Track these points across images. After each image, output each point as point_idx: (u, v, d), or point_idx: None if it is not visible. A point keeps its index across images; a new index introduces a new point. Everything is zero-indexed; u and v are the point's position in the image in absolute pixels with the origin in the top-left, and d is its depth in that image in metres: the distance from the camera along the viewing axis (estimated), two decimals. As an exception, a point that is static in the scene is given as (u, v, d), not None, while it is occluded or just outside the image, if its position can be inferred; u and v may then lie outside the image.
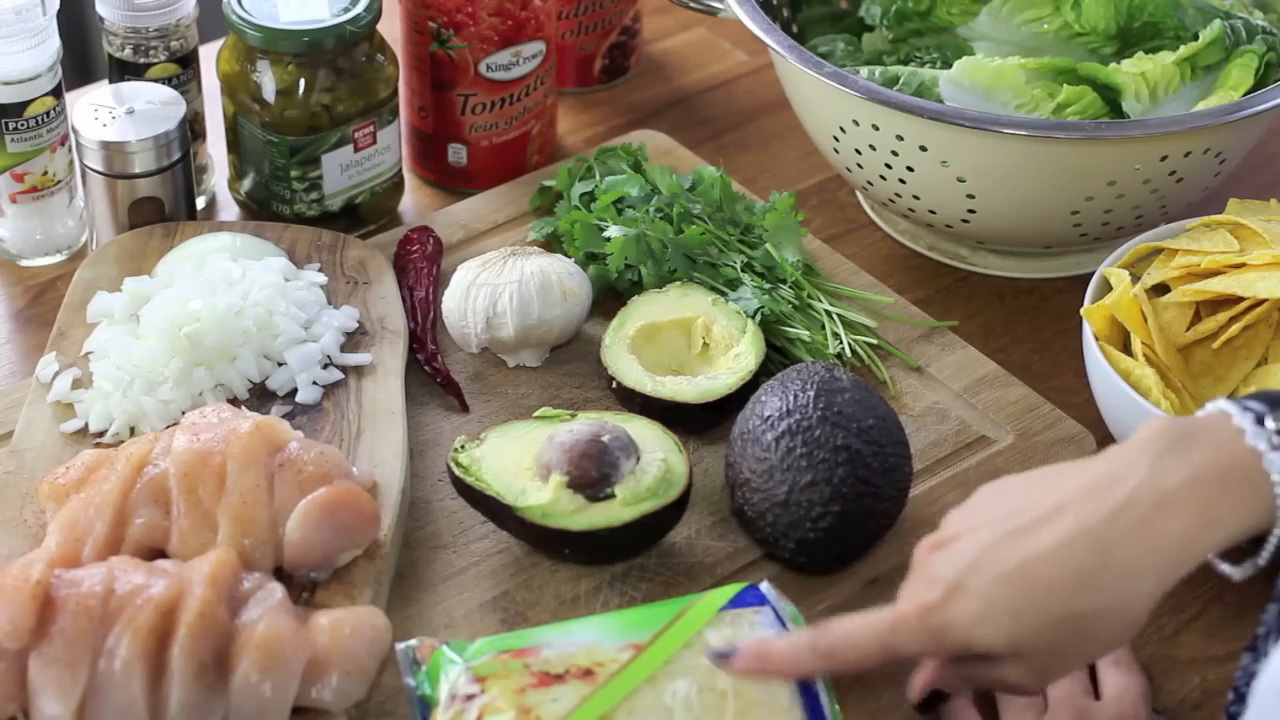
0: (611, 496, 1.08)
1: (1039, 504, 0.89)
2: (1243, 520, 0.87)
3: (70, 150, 1.34)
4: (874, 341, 1.25)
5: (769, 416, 1.09)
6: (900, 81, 1.28)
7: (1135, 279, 1.18)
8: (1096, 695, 1.03)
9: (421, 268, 1.30)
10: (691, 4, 1.43)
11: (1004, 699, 1.04)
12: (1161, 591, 0.87)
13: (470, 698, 0.90)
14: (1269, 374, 1.14)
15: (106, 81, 1.37)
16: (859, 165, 1.30)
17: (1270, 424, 0.87)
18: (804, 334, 1.23)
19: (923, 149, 1.24)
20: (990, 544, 0.89)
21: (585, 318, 1.26)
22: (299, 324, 1.21)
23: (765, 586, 0.96)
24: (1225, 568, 0.91)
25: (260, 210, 1.36)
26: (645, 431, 1.12)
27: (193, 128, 1.35)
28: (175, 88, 1.33)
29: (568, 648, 0.92)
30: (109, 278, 1.26)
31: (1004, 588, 0.88)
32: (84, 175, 1.30)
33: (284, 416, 1.16)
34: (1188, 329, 1.16)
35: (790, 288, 1.27)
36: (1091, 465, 0.89)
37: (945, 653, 0.90)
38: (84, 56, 2.25)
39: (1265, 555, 0.88)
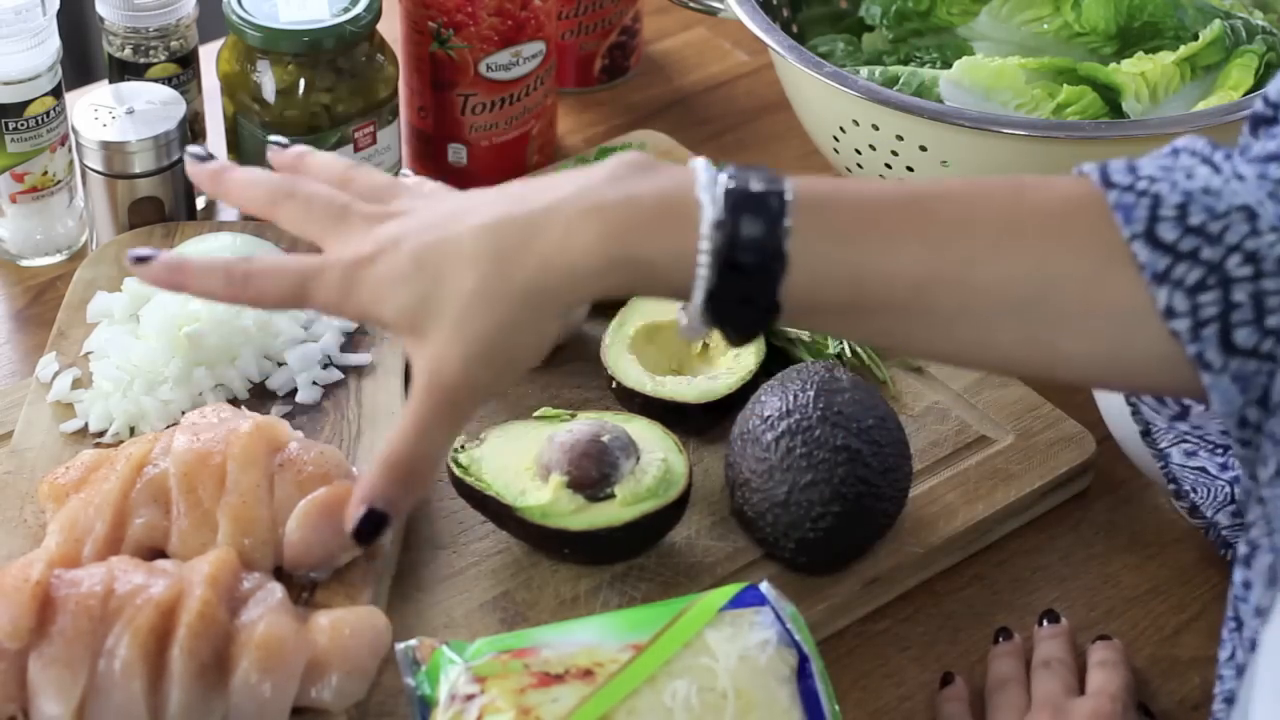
0: (611, 496, 1.08)
1: (486, 195, 0.87)
2: (661, 256, 0.83)
3: (70, 150, 1.34)
4: (874, 341, 1.25)
5: (769, 416, 1.09)
6: (900, 81, 1.28)
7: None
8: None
9: (421, 268, 1.30)
10: (691, 4, 1.43)
11: (993, 702, 1.05)
12: (570, 296, 0.84)
13: (470, 698, 0.90)
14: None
15: (106, 81, 1.37)
16: (859, 165, 1.30)
17: (722, 182, 0.83)
18: (804, 334, 1.23)
19: (923, 149, 1.25)
20: (434, 219, 0.86)
21: (585, 318, 1.26)
22: (299, 324, 1.22)
23: (765, 586, 0.96)
24: (682, 319, 0.86)
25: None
26: (645, 431, 1.12)
27: (193, 128, 1.35)
28: (175, 88, 1.33)
29: (568, 648, 0.92)
30: (109, 278, 1.26)
31: (427, 255, 0.84)
32: (84, 175, 1.30)
33: (284, 416, 1.16)
34: (1188, 329, 1.16)
35: (790, 288, 1.27)
36: (552, 175, 0.87)
37: (350, 313, 0.87)
38: (84, 56, 2.25)
39: (694, 311, 0.84)
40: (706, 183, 0.84)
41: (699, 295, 0.83)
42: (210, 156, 0.94)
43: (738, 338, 0.86)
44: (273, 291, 0.88)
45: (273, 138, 0.95)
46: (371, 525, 0.86)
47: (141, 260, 0.90)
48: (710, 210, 0.83)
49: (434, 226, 0.86)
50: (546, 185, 0.86)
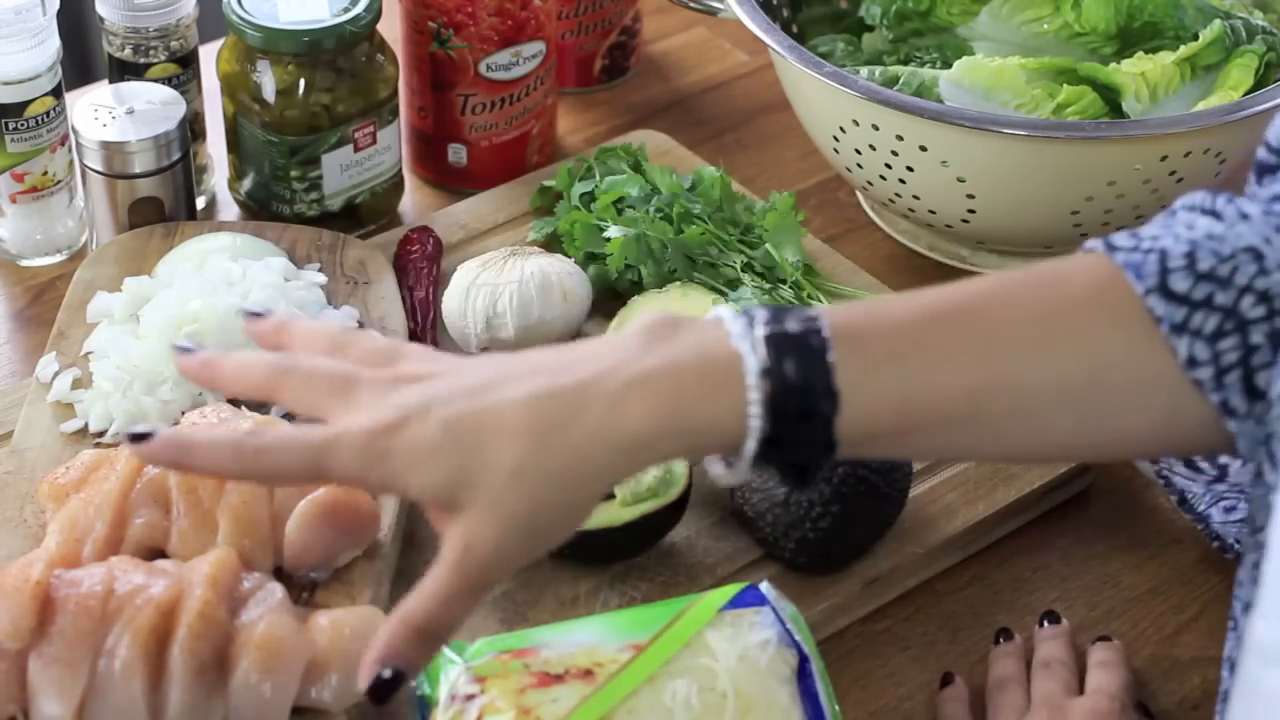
0: (611, 496, 1.08)
1: (518, 365, 0.84)
2: (714, 418, 0.81)
3: (70, 150, 1.34)
4: (874, 341, 1.25)
5: (769, 416, 1.09)
6: (900, 81, 1.28)
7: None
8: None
9: (421, 268, 1.30)
10: (691, 4, 1.43)
11: (993, 702, 1.05)
12: (618, 473, 0.82)
13: (470, 698, 0.90)
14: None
15: (106, 81, 1.36)
16: (859, 165, 1.30)
17: (758, 330, 0.82)
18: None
19: (923, 149, 1.24)
20: (465, 386, 0.82)
21: (585, 318, 1.26)
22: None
23: (765, 586, 0.96)
24: (717, 469, 0.86)
25: (260, 210, 1.36)
26: (645, 431, 1.12)
27: (193, 128, 1.35)
28: (175, 88, 1.33)
29: (568, 648, 0.92)
30: (109, 278, 1.26)
31: (463, 426, 0.81)
32: (84, 175, 1.30)
33: (284, 416, 1.16)
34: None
35: (790, 288, 1.27)
36: (582, 345, 0.85)
37: (374, 485, 0.83)
38: (84, 56, 2.25)
39: (744, 461, 0.83)
40: (741, 333, 0.82)
41: (752, 445, 0.82)
42: (191, 350, 0.88)
43: (795, 480, 0.84)
44: (286, 467, 0.83)
45: (246, 307, 0.88)
46: (390, 686, 0.83)
47: (139, 439, 0.84)
48: (753, 360, 0.82)
49: (468, 395, 0.82)
50: (583, 357, 0.83)
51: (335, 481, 0.85)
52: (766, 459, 0.83)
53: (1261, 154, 0.89)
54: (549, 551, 0.86)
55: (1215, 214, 0.86)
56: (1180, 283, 0.83)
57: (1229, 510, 1.07)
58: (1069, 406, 0.84)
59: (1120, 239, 0.86)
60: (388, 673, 0.82)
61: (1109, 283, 0.84)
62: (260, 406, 1.18)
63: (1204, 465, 1.04)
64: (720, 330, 0.83)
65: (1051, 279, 0.86)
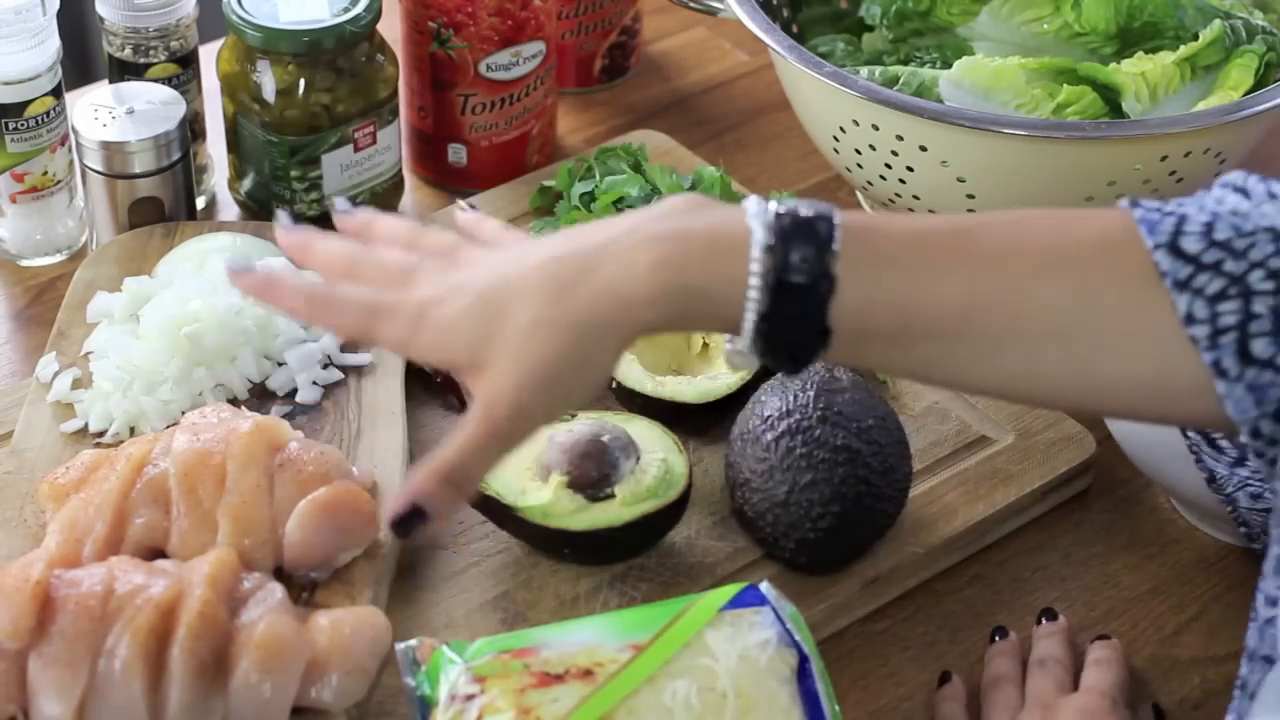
0: (611, 496, 1.08)
1: (554, 237, 0.90)
2: (716, 284, 0.85)
3: (70, 150, 1.34)
4: (874, 341, 1.25)
5: (769, 416, 1.09)
6: (900, 81, 1.28)
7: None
8: None
9: (421, 268, 1.30)
10: (691, 4, 1.43)
11: (987, 701, 1.05)
12: (627, 328, 0.86)
13: (470, 698, 0.90)
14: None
15: (106, 81, 1.37)
16: (859, 165, 1.30)
17: (772, 209, 0.86)
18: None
19: (923, 149, 1.24)
20: (499, 263, 0.89)
21: (585, 318, 1.26)
22: (299, 324, 1.21)
23: (765, 586, 0.96)
24: (729, 346, 0.89)
25: (260, 210, 1.36)
26: (645, 431, 1.12)
27: (193, 128, 1.35)
28: (175, 88, 1.33)
29: (568, 648, 0.92)
30: (109, 278, 1.26)
31: (491, 294, 0.87)
32: (84, 175, 1.30)
33: (284, 416, 1.16)
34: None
35: (790, 288, 1.27)
36: (617, 216, 0.90)
37: (415, 351, 0.90)
38: (84, 56, 2.25)
39: (745, 337, 0.86)
40: (757, 211, 0.86)
41: (750, 318, 0.85)
42: (290, 226, 0.96)
43: (790, 365, 0.87)
44: (346, 318, 0.91)
45: (339, 201, 0.99)
46: (412, 519, 0.89)
47: (240, 272, 0.94)
48: (760, 234, 0.85)
49: (497, 269, 0.89)
50: (602, 224, 0.88)
51: (382, 344, 0.92)
52: (764, 340, 0.86)
53: None
54: (568, 411, 0.90)
55: (1245, 192, 0.88)
56: (1192, 244, 0.84)
57: (1255, 498, 1.07)
58: (1058, 340, 0.86)
59: (1149, 201, 0.88)
60: (407, 507, 0.88)
61: (1121, 232, 0.86)
62: (260, 404, 1.18)
63: (1225, 445, 1.04)
64: (738, 209, 0.87)
65: (1067, 218, 0.88)
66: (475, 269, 0.90)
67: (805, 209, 0.86)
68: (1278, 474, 0.86)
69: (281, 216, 0.97)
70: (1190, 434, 1.07)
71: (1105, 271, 0.86)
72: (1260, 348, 0.83)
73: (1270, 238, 0.84)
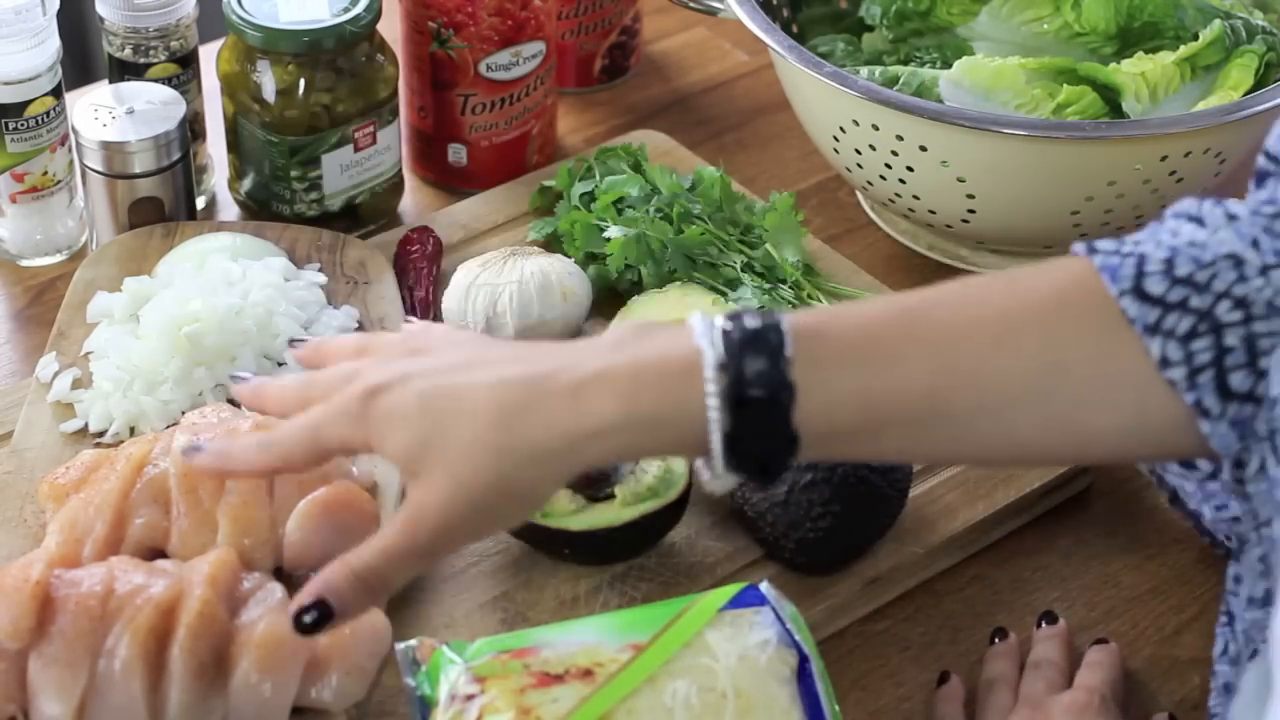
0: (611, 496, 1.08)
1: (503, 350, 0.89)
2: (672, 412, 0.84)
3: (70, 150, 1.34)
4: (874, 341, 1.25)
5: (769, 416, 1.09)
6: (900, 81, 1.28)
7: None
8: None
9: (421, 268, 1.30)
10: (691, 4, 1.43)
11: (982, 702, 1.05)
12: (571, 461, 0.85)
13: (470, 698, 0.90)
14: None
15: (106, 81, 1.36)
16: (859, 165, 1.30)
17: (718, 327, 0.85)
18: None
19: (923, 149, 1.24)
20: (448, 363, 0.88)
21: (585, 318, 1.26)
22: (299, 324, 1.21)
23: (765, 586, 0.96)
24: (705, 475, 0.88)
25: (260, 210, 1.36)
26: (645, 431, 1.12)
27: (193, 128, 1.35)
28: (175, 88, 1.33)
29: (568, 648, 0.92)
30: (109, 278, 1.26)
31: (435, 396, 0.86)
32: (84, 175, 1.30)
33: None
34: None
35: (790, 288, 1.27)
36: (566, 344, 0.89)
37: (359, 445, 0.89)
38: (84, 56, 2.25)
39: (716, 460, 0.85)
40: (704, 330, 0.85)
41: (717, 438, 0.84)
42: (245, 378, 0.98)
43: (763, 478, 0.86)
44: (295, 449, 0.91)
45: (235, 375, 1.00)
46: (318, 617, 0.88)
47: (192, 451, 0.97)
48: (711, 354, 0.84)
49: (445, 371, 0.87)
50: (556, 350, 0.88)
51: (332, 450, 0.91)
52: (734, 457, 0.85)
53: (1260, 161, 0.89)
54: (495, 533, 0.90)
55: (1200, 220, 0.86)
56: (1155, 285, 0.83)
57: (1220, 509, 1.07)
58: (1032, 403, 0.85)
59: (1104, 243, 0.86)
60: (314, 602, 0.88)
61: (1082, 282, 0.85)
62: (260, 406, 1.18)
63: (1199, 462, 1.04)
64: (684, 330, 0.86)
65: (1017, 279, 0.87)
66: (420, 361, 0.89)
67: (750, 320, 0.85)
68: (1246, 454, 0.86)
69: (235, 375, 0.99)
70: None
71: (1067, 326, 0.84)
72: (1238, 381, 0.83)
73: (1231, 264, 0.83)
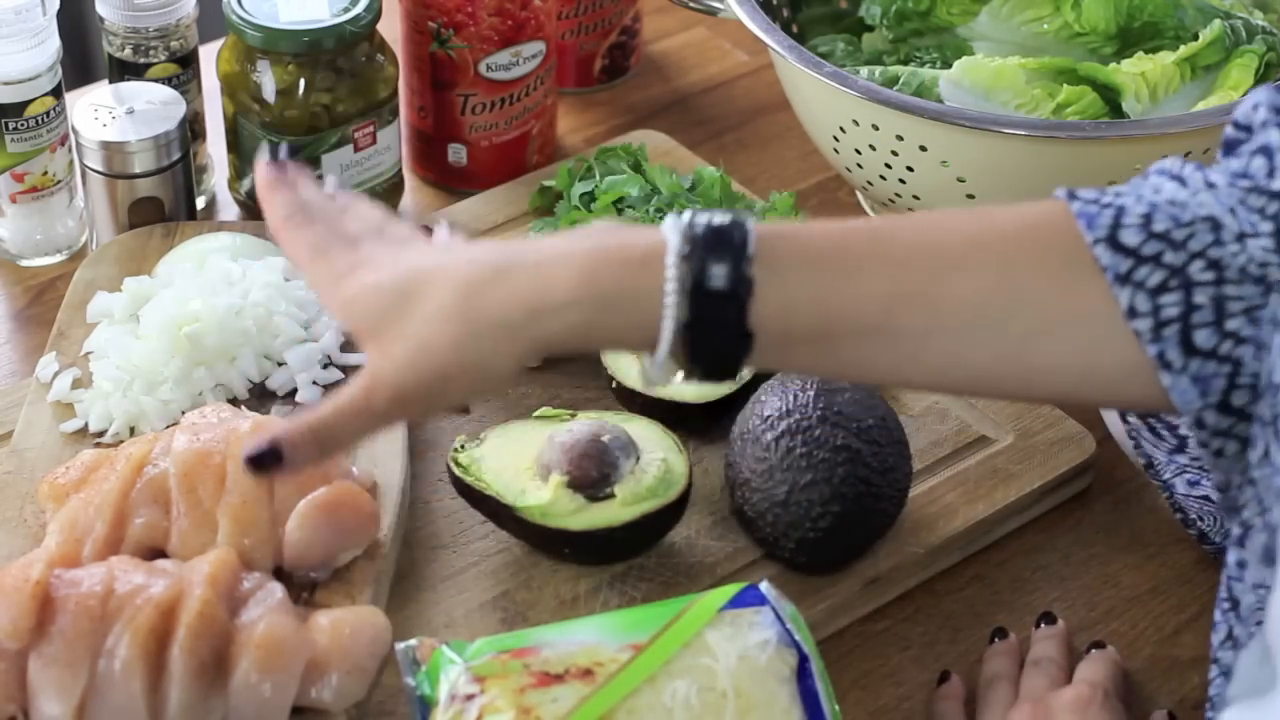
0: (611, 496, 1.08)
1: (480, 246, 0.91)
2: (630, 292, 0.85)
3: (70, 150, 1.34)
4: (874, 341, 1.25)
5: (769, 416, 1.09)
6: (900, 81, 1.28)
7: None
8: None
9: (421, 268, 1.30)
10: (691, 4, 1.43)
11: (982, 699, 1.05)
12: (530, 334, 0.86)
13: (470, 698, 0.90)
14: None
15: (106, 81, 1.37)
16: (859, 165, 1.30)
17: (685, 219, 0.86)
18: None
19: (923, 149, 1.24)
20: (427, 254, 0.90)
21: (585, 318, 1.25)
22: (299, 324, 1.21)
23: (765, 586, 0.96)
24: (646, 361, 0.88)
25: (260, 210, 1.36)
26: (645, 431, 1.12)
27: (193, 128, 1.35)
28: (175, 88, 1.33)
29: (568, 648, 0.92)
30: (109, 278, 1.26)
31: (410, 274, 0.88)
32: (84, 175, 1.30)
33: (284, 417, 1.16)
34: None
35: (790, 288, 1.27)
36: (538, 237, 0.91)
37: (332, 303, 0.90)
38: (84, 56, 2.25)
39: (664, 345, 0.86)
40: (672, 223, 0.86)
41: (669, 326, 0.85)
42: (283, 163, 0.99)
43: (710, 373, 0.87)
44: (300, 246, 0.92)
45: (266, 151, 0.99)
46: (267, 458, 0.88)
47: (269, 164, 0.98)
48: (675, 243, 0.85)
49: (426, 258, 0.89)
50: (529, 241, 0.89)
51: (310, 285, 0.93)
52: (687, 349, 0.85)
53: (1229, 131, 0.90)
54: (445, 408, 0.90)
55: (1181, 180, 0.87)
56: (1131, 237, 0.84)
57: (1193, 484, 1.07)
58: (985, 331, 0.86)
59: (1085, 191, 0.87)
60: (266, 446, 0.88)
61: (1050, 221, 0.86)
62: (260, 404, 1.18)
63: (1164, 433, 1.05)
64: (655, 227, 0.87)
65: (990, 211, 0.88)
66: (410, 253, 0.90)
67: (719, 218, 0.86)
68: (1220, 465, 0.86)
69: (265, 150, 0.98)
70: (1130, 419, 1.08)
71: (1030, 259, 0.85)
72: (1203, 338, 0.84)
73: (1209, 227, 0.84)
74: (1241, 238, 0.84)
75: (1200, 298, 0.83)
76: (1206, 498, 1.08)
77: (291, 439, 0.88)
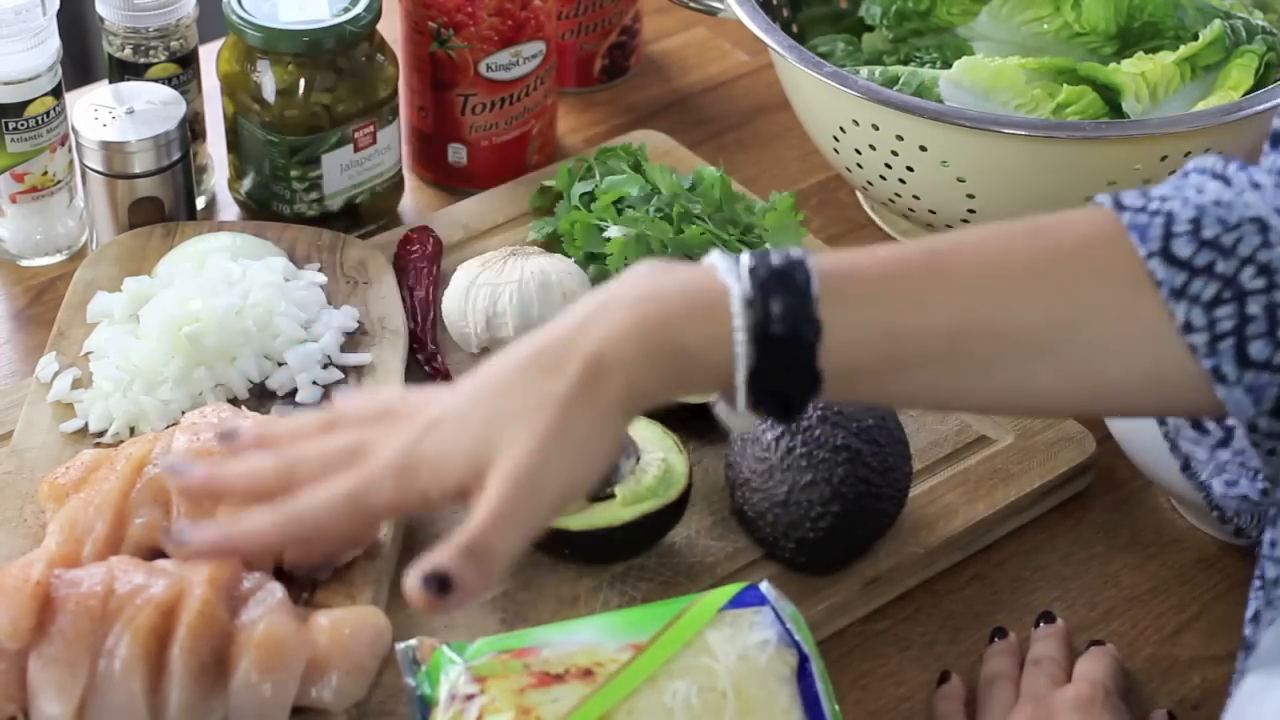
0: (611, 496, 1.08)
1: (505, 354, 0.88)
2: (701, 344, 0.85)
3: (70, 150, 1.34)
4: (874, 341, 1.25)
5: (769, 416, 1.09)
6: (900, 81, 1.28)
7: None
8: None
9: (421, 268, 1.30)
10: (691, 4, 1.43)
11: (983, 698, 1.05)
12: (620, 391, 0.85)
13: (470, 698, 0.90)
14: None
15: (106, 81, 1.36)
16: (859, 165, 1.30)
17: (744, 264, 0.85)
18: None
19: (923, 149, 1.24)
20: (461, 389, 0.88)
21: (585, 318, 1.25)
22: (299, 324, 1.21)
23: (765, 586, 0.96)
24: (722, 410, 0.89)
25: (260, 210, 1.36)
26: (645, 431, 1.12)
27: (193, 128, 1.35)
28: (175, 88, 1.33)
29: (568, 648, 0.92)
30: (109, 278, 1.26)
31: (475, 405, 0.86)
32: (84, 175, 1.30)
33: (283, 414, 1.16)
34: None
35: (790, 288, 1.27)
36: (565, 311, 0.88)
37: (415, 501, 0.88)
38: (84, 56, 2.25)
39: (739, 394, 0.86)
40: (728, 268, 0.86)
41: (742, 374, 0.85)
42: (184, 470, 0.95)
43: (783, 416, 0.87)
44: (330, 521, 0.89)
45: (218, 432, 0.94)
46: (439, 587, 0.85)
47: (184, 540, 0.94)
48: (738, 289, 0.85)
49: (467, 390, 0.87)
50: (571, 310, 0.87)
51: (380, 516, 0.90)
52: (756, 394, 0.85)
53: (1277, 123, 0.89)
54: (588, 484, 0.88)
55: (1225, 179, 0.87)
56: (1183, 248, 0.84)
57: (1230, 485, 1.07)
58: (1050, 354, 0.86)
59: (1130, 198, 0.87)
60: (434, 574, 0.85)
61: (1103, 235, 0.86)
62: (260, 404, 1.18)
63: (1210, 427, 1.04)
64: (707, 267, 0.87)
65: (1042, 228, 0.88)
66: (438, 403, 0.88)
67: (776, 258, 0.86)
68: (1271, 463, 0.87)
69: (165, 463, 0.96)
70: (1169, 420, 1.08)
71: (1088, 278, 0.86)
72: (1257, 350, 0.84)
73: (1256, 229, 0.84)
74: None
75: (1253, 308, 0.84)
76: (1245, 497, 1.08)
77: (449, 566, 0.85)
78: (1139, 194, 0.87)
